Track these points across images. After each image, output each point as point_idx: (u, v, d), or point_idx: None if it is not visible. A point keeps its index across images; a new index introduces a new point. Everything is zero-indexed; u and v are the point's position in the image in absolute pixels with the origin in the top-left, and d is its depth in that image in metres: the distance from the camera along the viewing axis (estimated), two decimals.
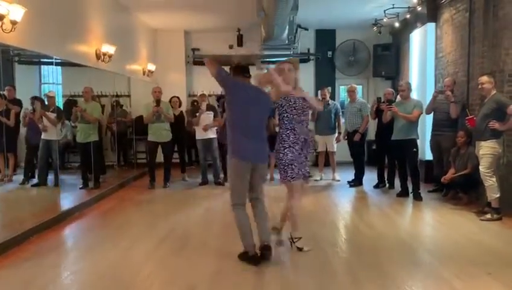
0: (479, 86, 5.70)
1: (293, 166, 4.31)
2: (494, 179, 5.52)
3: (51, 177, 6.90)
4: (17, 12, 4.70)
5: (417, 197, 6.72)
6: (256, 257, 4.07)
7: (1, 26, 4.57)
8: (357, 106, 8.09)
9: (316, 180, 8.53)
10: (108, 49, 7.31)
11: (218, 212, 6.29)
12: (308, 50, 10.90)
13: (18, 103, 6.57)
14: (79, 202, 6.52)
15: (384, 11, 8.51)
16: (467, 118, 5.95)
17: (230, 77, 4.24)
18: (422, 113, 6.89)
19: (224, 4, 8.40)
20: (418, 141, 6.93)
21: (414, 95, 7.73)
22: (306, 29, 10.00)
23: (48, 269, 4.07)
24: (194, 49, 10.91)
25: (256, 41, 9.80)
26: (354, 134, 8.00)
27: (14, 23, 4.69)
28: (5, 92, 6.36)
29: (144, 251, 4.53)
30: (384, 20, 8.94)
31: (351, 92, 8.23)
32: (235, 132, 4.10)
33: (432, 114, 7.09)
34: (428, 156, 7.58)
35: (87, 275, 3.99)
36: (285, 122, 4.37)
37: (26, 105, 6.82)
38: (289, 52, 10.44)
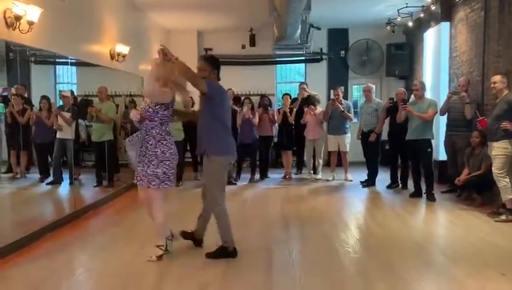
0: (491, 85, 5.66)
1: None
2: (507, 180, 5.45)
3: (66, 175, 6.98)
4: (33, 13, 4.75)
5: (430, 198, 6.67)
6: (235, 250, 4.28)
7: (18, 26, 4.63)
8: (373, 105, 8.00)
9: (328, 180, 8.52)
10: (122, 49, 7.40)
11: (230, 210, 6.27)
12: (321, 49, 10.87)
13: (28, 102, 6.64)
14: (93, 200, 6.61)
15: (398, 10, 8.45)
16: (477, 119, 5.90)
17: (213, 83, 4.16)
18: (437, 112, 6.84)
19: (237, 4, 8.42)
20: (432, 141, 6.87)
21: (428, 94, 7.66)
22: (319, 28, 9.97)
23: (61, 267, 4.13)
24: (206, 49, 10.95)
25: (269, 40, 9.81)
26: (369, 134, 7.91)
27: (30, 23, 4.75)
28: (14, 91, 6.39)
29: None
30: (398, 19, 8.88)
31: (367, 92, 8.12)
32: (223, 131, 4.27)
33: (446, 114, 7.03)
34: (442, 156, 7.51)
35: (101, 273, 4.04)
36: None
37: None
38: (302, 52, 10.43)
